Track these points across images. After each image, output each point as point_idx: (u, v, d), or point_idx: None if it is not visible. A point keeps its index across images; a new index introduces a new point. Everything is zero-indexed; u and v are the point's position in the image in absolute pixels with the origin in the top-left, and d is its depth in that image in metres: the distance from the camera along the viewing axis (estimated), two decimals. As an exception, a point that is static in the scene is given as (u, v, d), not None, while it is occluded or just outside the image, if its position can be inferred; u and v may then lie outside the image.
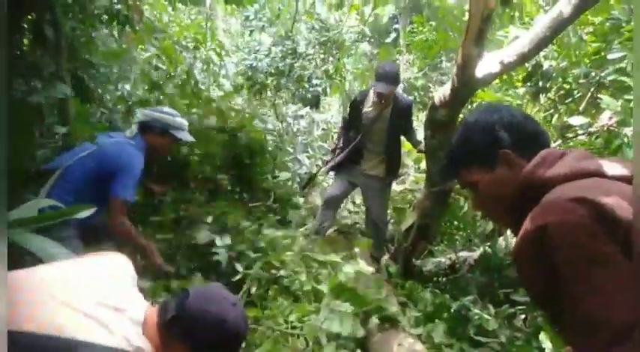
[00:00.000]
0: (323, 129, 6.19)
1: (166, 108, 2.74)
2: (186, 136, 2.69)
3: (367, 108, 3.96)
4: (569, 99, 3.47)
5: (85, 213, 1.67)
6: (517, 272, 0.91)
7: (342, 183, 4.13)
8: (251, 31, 6.37)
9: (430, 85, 10.36)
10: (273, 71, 5.79)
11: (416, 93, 10.53)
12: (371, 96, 3.96)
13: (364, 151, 4.02)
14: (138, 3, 3.31)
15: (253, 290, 2.78)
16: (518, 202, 0.99)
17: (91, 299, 1.08)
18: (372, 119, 3.92)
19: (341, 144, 4.09)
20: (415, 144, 4.22)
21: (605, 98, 2.64)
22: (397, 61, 9.49)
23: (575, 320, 0.76)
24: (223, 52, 5.53)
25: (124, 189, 2.35)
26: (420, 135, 4.47)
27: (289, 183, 4.51)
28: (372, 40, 12.20)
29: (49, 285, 1.06)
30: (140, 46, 3.74)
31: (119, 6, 3.03)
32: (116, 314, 1.10)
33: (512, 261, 0.90)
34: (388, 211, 5.11)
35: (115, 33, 3.34)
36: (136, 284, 1.28)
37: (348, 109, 4.10)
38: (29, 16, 2.85)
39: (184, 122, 2.68)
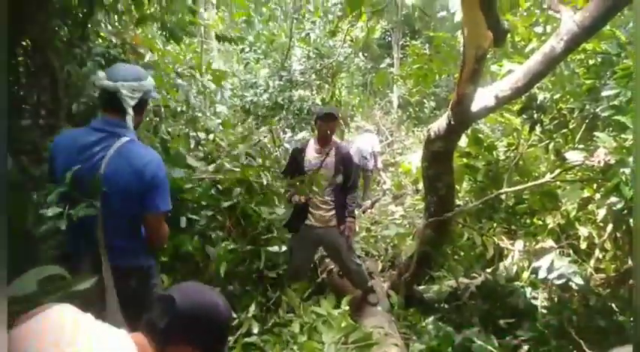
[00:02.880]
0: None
1: (134, 68, 2.07)
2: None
3: (310, 155, 3.70)
4: (564, 130, 3.51)
5: (86, 284, 1.65)
6: None
7: (304, 250, 3.76)
8: (246, 63, 6.41)
9: (425, 100, 10.48)
10: (272, 106, 5.81)
11: (410, 109, 10.65)
12: (312, 145, 3.75)
13: (309, 205, 3.66)
14: (134, 44, 3.34)
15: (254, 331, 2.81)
16: None
17: None
18: (316, 165, 3.64)
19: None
20: (348, 191, 3.76)
21: (601, 135, 2.68)
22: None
23: None
24: (222, 81, 5.52)
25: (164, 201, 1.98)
26: (418, 156, 4.47)
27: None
28: (366, 54, 12.30)
29: None
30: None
31: (115, 50, 3.05)
32: None
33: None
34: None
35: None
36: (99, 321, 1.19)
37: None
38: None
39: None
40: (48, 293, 1.55)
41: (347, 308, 3.05)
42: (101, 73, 1.97)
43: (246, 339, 2.80)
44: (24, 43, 3.00)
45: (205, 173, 3.34)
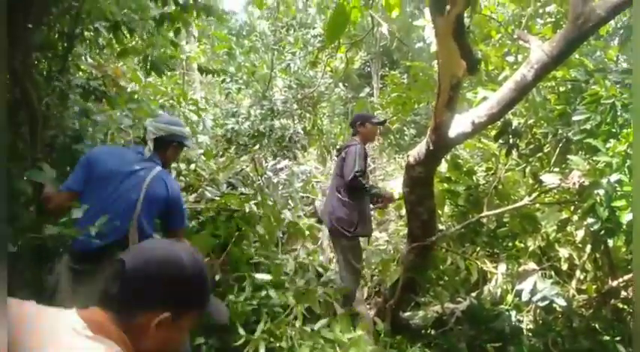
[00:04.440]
0: (303, 180, 6.23)
1: (173, 118, 2.74)
2: (190, 143, 2.84)
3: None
4: (540, 154, 3.62)
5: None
6: None
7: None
8: (228, 93, 6.49)
9: (405, 128, 10.69)
10: (254, 134, 5.88)
11: (391, 137, 10.84)
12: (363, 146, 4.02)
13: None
14: (115, 76, 3.36)
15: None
16: None
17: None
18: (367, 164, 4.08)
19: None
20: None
21: (574, 158, 2.76)
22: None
23: None
24: (201, 109, 5.58)
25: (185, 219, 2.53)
26: (399, 182, 4.56)
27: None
28: (346, 84, 12.55)
29: None
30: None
31: (95, 83, 3.05)
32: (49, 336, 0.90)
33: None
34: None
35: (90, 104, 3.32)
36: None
37: (361, 161, 3.88)
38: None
39: (188, 130, 2.74)
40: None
41: (361, 333, 3.02)
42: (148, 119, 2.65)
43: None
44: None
45: (186, 203, 3.32)
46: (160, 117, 2.64)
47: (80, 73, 3.44)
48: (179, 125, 2.60)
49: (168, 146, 2.53)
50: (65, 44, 3.08)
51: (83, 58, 3.58)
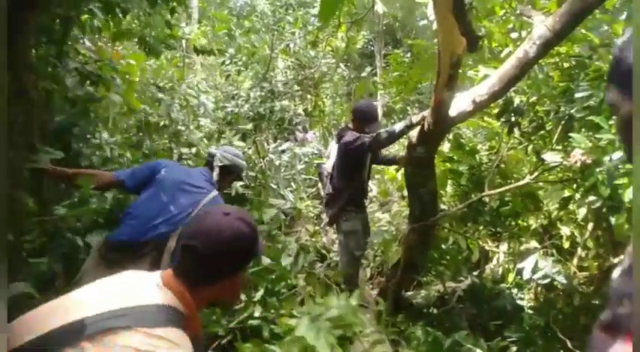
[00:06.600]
0: (305, 162, 6.22)
1: (238, 152, 2.89)
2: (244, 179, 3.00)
3: None
4: (542, 132, 3.58)
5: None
6: None
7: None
8: (227, 75, 6.42)
9: (408, 107, 10.61)
10: (254, 116, 5.86)
11: (395, 117, 10.77)
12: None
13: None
14: (113, 59, 3.32)
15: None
16: None
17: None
18: None
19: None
20: None
21: (575, 136, 2.73)
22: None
23: None
24: (202, 92, 5.56)
25: None
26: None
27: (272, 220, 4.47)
28: (348, 64, 12.39)
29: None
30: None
31: (91, 66, 3.03)
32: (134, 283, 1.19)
33: None
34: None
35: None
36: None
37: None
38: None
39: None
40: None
41: (355, 303, 3.07)
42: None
43: (251, 322, 2.85)
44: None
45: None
46: (228, 148, 2.87)
47: (80, 56, 3.40)
48: (243, 159, 2.84)
49: (229, 175, 2.75)
50: (61, 28, 3.05)
51: (82, 41, 3.53)
